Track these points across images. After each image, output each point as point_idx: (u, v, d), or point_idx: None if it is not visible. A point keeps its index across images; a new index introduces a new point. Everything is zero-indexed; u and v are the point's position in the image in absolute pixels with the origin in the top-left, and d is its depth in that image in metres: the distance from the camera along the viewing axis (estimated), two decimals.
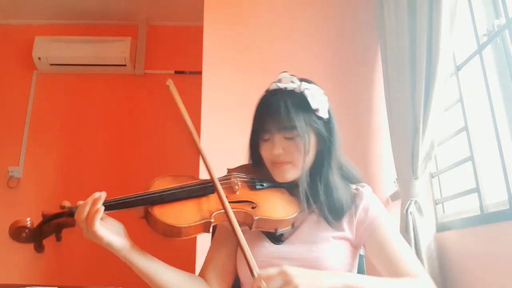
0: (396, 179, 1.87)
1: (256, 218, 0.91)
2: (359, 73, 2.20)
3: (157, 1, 2.91)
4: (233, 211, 0.87)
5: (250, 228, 0.93)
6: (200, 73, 2.18)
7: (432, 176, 1.94)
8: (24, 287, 1.44)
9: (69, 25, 3.13)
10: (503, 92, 1.49)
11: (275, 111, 0.95)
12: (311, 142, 0.97)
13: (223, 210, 0.88)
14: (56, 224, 0.88)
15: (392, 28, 1.94)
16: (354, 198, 1.00)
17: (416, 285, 0.86)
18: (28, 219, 0.86)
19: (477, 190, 1.56)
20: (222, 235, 1.05)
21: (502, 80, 1.50)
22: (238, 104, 2.09)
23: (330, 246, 0.95)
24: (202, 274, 1.01)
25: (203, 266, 1.04)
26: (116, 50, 2.91)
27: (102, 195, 0.86)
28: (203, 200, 0.93)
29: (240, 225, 0.89)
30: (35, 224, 0.87)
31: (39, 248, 0.87)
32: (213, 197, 0.93)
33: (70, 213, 0.88)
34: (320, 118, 0.99)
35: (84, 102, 3.00)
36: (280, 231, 0.94)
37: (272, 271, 0.75)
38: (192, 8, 2.83)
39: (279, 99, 0.96)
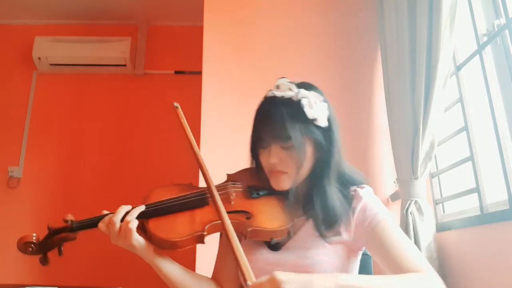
0: (396, 179, 1.87)
1: (249, 229, 0.92)
2: (359, 73, 2.20)
3: (157, 1, 2.91)
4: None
5: (245, 238, 0.93)
6: (200, 73, 2.18)
7: (432, 176, 1.94)
8: (24, 287, 1.44)
9: (69, 25, 3.12)
10: (503, 92, 1.49)
11: (271, 121, 0.94)
12: (308, 153, 0.95)
13: (217, 222, 0.90)
14: (59, 239, 0.95)
15: (392, 28, 1.94)
16: (351, 200, 0.98)
17: (421, 280, 0.83)
18: (34, 234, 0.93)
19: (477, 190, 1.56)
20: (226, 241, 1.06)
21: (502, 80, 1.50)
22: (238, 104, 2.09)
23: (325, 252, 0.93)
24: (214, 279, 1.04)
25: (214, 271, 1.06)
26: (116, 50, 2.90)
27: (132, 207, 0.93)
28: (197, 212, 0.95)
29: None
30: (41, 239, 0.94)
31: (44, 261, 0.94)
32: (207, 208, 0.95)
33: (72, 228, 0.95)
34: (318, 127, 0.96)
35: (84, 102, 3.00)
36: (275, 240, 0.94)
37: (263, 278, 0.75)
38: (192, 8, 2.83)
39: (275, 108, 0.95)
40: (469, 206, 1.68)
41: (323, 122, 0.96)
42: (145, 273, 2.64)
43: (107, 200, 2.76)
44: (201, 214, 0.94)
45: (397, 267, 0.87)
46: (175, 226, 0.92)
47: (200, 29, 2.25)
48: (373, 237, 0.93)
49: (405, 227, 1.68)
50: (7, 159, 2.84)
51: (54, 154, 2.86)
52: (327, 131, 0.97)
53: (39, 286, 1.38)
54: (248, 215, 0.94)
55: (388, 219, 0.94)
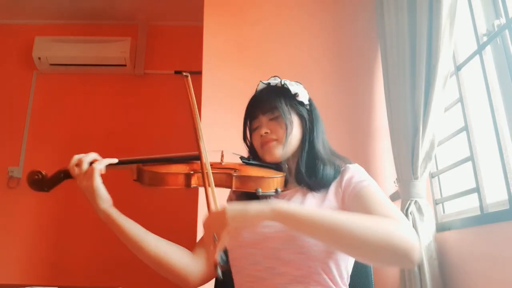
0: (396, 179, 1.87)
1: (234, 175, 0.97)
2: (359, 73, 2.20)
3: (157, 1, 2.91)
4: (213, 173, 0.94)
5: (231, 187, 0.98)
6: (200, 73, 2.18)
7: (432, 176, 1.94)
8: (24, 287, 1.44)
9: (69, 25, 3.13)
10: (503, 92, 1.49)
11: (259, 99, 1.11)
12: (294, 121, 1.07)
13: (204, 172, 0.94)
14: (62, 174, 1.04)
15: (392, 28, 1.94)
16: (342, 173, 1.04)
17: (384, 221, 0.82)
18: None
19: (477, 190, 1.56)
20: None
21: (502, 80, 1.50)
22: (238, 104, 2.08)
23: None
24: (192, 249, 1.09)
25: (196, 244, 1.11)
26: (116, 50, 2.91)
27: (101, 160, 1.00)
28: (189, 163, 1.03)
29: (221, 186, 0.98)
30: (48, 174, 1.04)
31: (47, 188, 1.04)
32: (198, 163, 0.99)
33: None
34: (301, 103, 1.10)
35: (84, 102, 3.00)
36: (261, 192, 0.97)
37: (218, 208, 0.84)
38: (192, 8, 2.83)
39: (263, 91, 1.13)
40: (469, 206, 1.68)
41: (304, 99, 1.11)
42: (145, 273, 2.64)
43: None
44: (192, 165, 1.02)
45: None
46: (167, 167, 1.00)
47: (200, 29, 2.25)
48: (357, 200, 0.96)
49: None
50: (7, 159, 2.85)
51: (54, 154, 2.86)
52: (309, 111, 1.12)
53: (39, 286, 1.37)
54: (236, 169, 1.00)
55: (373, 185, 0.98)
